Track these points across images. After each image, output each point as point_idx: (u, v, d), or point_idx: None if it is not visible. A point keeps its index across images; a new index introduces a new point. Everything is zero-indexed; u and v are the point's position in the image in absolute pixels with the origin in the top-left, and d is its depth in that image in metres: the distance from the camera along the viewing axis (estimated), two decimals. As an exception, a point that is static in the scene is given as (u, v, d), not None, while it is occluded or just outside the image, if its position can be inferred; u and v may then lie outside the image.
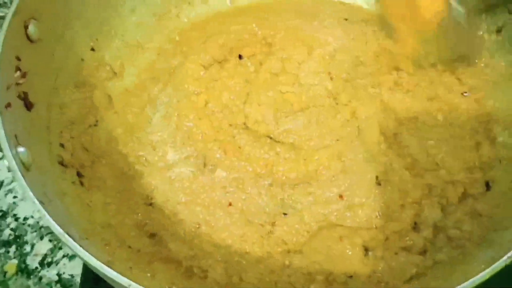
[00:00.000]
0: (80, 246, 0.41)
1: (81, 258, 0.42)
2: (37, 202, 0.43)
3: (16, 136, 0.47)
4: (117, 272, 0.40)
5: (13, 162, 0.44)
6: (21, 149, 0.47)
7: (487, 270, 0.38)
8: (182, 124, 0.64)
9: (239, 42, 0.70)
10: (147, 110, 0.66)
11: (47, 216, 0.42)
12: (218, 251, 0.55)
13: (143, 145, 0.63)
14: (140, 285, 0.39)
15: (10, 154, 0.45)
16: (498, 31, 0.62)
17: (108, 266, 0.40)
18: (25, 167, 0.46)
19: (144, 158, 0.62)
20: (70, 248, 0.42)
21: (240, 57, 0.69)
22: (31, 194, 0.43)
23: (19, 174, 0.44)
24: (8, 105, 0.48)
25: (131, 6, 0.69)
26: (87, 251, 0.41)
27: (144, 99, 0.66)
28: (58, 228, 0.41)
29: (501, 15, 0.61)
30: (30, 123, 0.51)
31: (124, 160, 0.60)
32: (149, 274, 0.51)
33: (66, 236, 0.41)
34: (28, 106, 0.51)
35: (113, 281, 0.40)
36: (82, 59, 0.62)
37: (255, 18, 0.72)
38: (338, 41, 0.70)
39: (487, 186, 0.57)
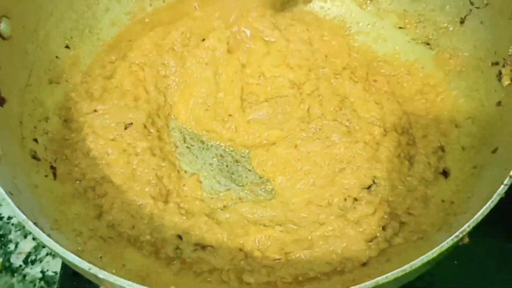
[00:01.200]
0: (47, 235, 0.42)
1: (48, 247, 0.43)
2: (3, 191, 0.44)
3: (-14, 131, 0.48)
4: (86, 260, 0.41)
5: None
6: (-9, 143, 0.48)
7: (434, 249, 0.39)
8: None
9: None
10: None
11: (12, 205, 0.43)
12: None
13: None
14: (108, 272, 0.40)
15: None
16: (461, 22, 0.63)
17: (76, 254, 0.41)
18: (-5, 161, 0.47)
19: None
20: (35, 236, 0.43)
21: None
22: (-3, 184, 0.44)
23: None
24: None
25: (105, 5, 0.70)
26: (54, 240, 0.42)
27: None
28: (22, 215, 0.42)
29: (464, 6, 0.62)
30: (2, 118, 0.52)
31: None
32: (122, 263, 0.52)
33: (30, 223, 0.42)
34: (0, 101, 0.52)
35: (81, 269, 0.41)
36: (57, 57, 0.63)
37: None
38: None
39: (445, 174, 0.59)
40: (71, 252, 0.41)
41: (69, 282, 0.63)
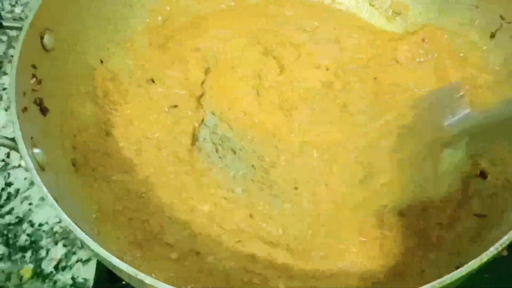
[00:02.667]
0: (92, 239, 0.44)
1: (93, 251, 0.44)
2: (51, 198, 0.45)
3: (32, 138, 0.50)
4: (128, 264, 0.42)
5: (30, 162, 0.47)
6: (36, 150, 0.50)
7: (473, 261, 0.40)
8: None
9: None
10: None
11: (60, 211, 0.44)
12: None
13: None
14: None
15: (27, 154, 0.47)
16: (492, 36, 0.64)
17: (119, 258, 0.42)
18: (41, 167, 0.49)
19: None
20: (82, 241, 0.44)
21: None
22: (45, 191, 0.45)
23: (34, 173, 0.46)
24: (25, 109, 0.51)
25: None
26: (99, 244, 0.43)
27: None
28: (70, 221, 0.44)
29: (494, 21, 0.63)
30: (45, 126, 0.54)
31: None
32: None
33: (78, 229, 0.43)
34: (43, 111, 0.54)
35: (125, 274, 0.42)
36: (94, 68, 0.65)
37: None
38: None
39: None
40: (117, 257, 0.42)
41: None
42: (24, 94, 0.52)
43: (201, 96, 0.70)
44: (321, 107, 0.68)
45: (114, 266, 0.42)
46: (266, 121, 0.67)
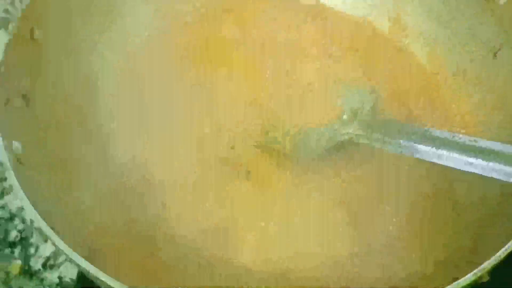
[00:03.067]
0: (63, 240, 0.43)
1: (64, 254, 0.43)
2: (23, 194, 0.45)
3: (12, 131, 0.49)
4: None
5: (6, 156, 0.47)
6: (16, 144, 0.49)
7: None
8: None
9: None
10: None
11: (28, 203, 0.44)
12: None
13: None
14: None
15: (2, 147, 0.47)
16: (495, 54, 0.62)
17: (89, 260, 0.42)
18: (19, 162, 0.49)
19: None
20: (52, 240, 0.44)
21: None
22: (17, 184, 0.45)
23: (8, 166, 0.46)
24: (7, 101, 0.51)
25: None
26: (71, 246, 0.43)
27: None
28: (43, 223, 0.43)
29: (498, 37, 0.61)
30: (28, 120, 0.54)
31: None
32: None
33: (48, 228, 0.43)
34: (28, 104, 0.54)
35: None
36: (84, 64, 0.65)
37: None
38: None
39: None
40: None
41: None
42: (9, 86, 0.52)
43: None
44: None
45: (82, 267, 0.42)
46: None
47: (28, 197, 0.45)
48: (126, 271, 0.50)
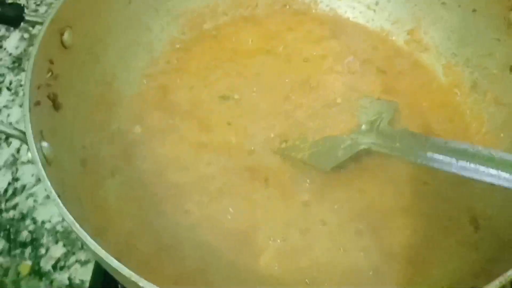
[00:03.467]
0: (92, 238, 0.43)
1: (91, 250, 0.43)
2: (54, 193, 0.45)
3: (41, 132, 0.50)
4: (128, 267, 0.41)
5: (36, 155, 0.47)
6: (45, 144, 0.50)
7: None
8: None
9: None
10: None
11: (62, 207, 0.44)
12: None
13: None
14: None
15: (34, 147, 0.47)
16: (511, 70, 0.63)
17: (118, 260, 0.41)
18: (47, 161, 0.49)
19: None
20: (81, 240, 0.44)
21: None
22: (49, 185, 0.45)
23: (39, 166, 0.46)
24: (38, 103, 0.51)
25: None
26: (99, 245, 0.42)
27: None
28: (71, 217, 0.43)
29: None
30: (56, 122, 0.54)
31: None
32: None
33: (78, 226, 0.43)
34: (56, 106, 0.54)
35: (123, 276, 0.41)
36: (110, 71, 0.66)
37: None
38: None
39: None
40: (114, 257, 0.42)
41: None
42: (39, 87, 0.52)
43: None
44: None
45: (111, 266, 0.42)
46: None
47: (59, 196, 0.45)
48: (152, 276, 0.51)
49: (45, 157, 0.49)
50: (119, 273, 0.41)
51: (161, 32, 0.74)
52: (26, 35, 0.91)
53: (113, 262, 0.42)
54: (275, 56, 0.73)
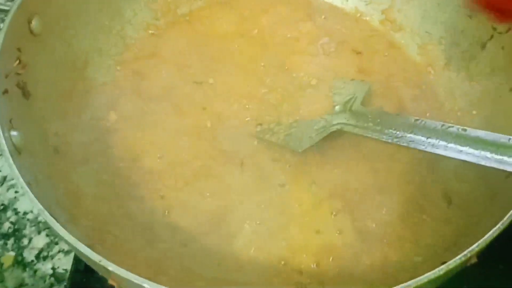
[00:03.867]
0: (62, 226, 0.43)
1: (63, 239, 0.43)
2: (22, 182, 0.45)
3: (11, 121, 0.49)
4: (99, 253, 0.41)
5: (4, 144, 0.47)
6: (14, 133, 0.49)
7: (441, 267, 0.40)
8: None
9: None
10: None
11: (30, 194, 0.44)
12: None
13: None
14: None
15: (1, 136, 0.47)
16: (483, 47, 0.64)
17: (90, 247, 0.41)
18: (17, 150, 0.49)
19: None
20: (51, 228, 0.44)
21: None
22: (17, 173, 0.45)
23: (7, 154, 0.46)
24: (5, 91, 0.51)
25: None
26: (70, 232, 0.42)
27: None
28: (40, 205, 0.43)
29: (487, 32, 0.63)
30: (26, 110, 0.54)
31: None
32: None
33: (46, 213, 0.43)
34: (26, 95, 0.54)
35: (94, 263, 0.41)
36: (82, 57, 0.65)
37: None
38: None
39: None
40: (84, 244, 0.42)
41: (79, 279, 0.64)
42: (6, 76, 0.51)
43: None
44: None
45: (81, 252, 0.42)
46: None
47: (29, 187, 0.45)
48: (126, 260, 0.51)
49: (14, 145, 0.48)
50: (90, 259, 0.41)
51: (134, 17, 0.73)
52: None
53: (82, 247, 0.42)
54: (249, 39, 0.72)
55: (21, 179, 0.45)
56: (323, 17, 0.74)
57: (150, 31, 0.73)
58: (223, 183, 0.60)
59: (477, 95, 0.64)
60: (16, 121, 0.50)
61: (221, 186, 0.60)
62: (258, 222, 0.58)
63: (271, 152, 0.63)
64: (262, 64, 0.70)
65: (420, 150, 0.56)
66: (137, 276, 0.39)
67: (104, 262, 0.41)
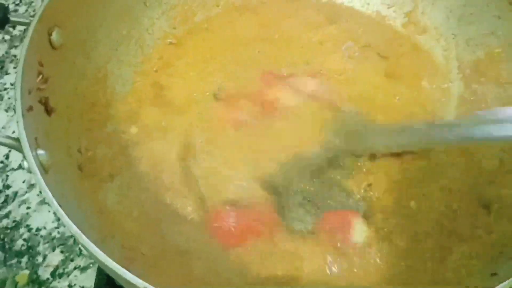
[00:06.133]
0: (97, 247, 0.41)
1: (97, 260, 0.41)
2: (55, 203, 0.43)
3: (36, 139, 0.47)
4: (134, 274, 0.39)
5: (33, 164, 0.45)
6: (40, 152, 0.47)
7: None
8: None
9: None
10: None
11: (65, 217, 0.42)
12: None
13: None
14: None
15: (30, 155, 0.45)
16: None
17: (124, 267, 0.40)
18: (45, 169, 0.46)
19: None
20: (86, 249, 0.42)
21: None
22: (50, 195, 0.43)
23: (38, 176, 0.44)
24: (30, 109, 0.49)
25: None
26: (103, 252, 0.41)
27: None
28: (75, 228, 0.41)
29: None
30: (50, 127, 0.52)
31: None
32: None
33: (83, 236, 0.41)
34: (49, 111, 0.52)
35: (129, 283, 0.40)
36: (102, 70, 0.64)
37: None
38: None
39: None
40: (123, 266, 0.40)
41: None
42: (30, 92, 0.49)
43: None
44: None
45: (119, 275, 0.40)
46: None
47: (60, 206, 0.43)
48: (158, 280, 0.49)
49: (42, 165, 0.46)
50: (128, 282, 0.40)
51: (152, 26, 0.71)
52: (7, 37, 0.88)
53: (123, 272, 0.40)
54: (272, 43, 0.71)
55: (55, 203, 0.43)
56: (345, 21, 0.73)
57: (168, 40, 0.71)
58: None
59: (507, 97, 0.62)
60: (41, 140, 0.49)
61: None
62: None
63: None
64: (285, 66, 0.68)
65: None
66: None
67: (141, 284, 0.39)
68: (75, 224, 0.42)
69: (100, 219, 0.54)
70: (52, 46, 0.54)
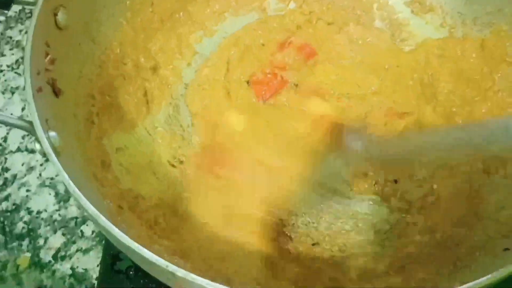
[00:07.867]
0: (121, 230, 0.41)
1: (116, 240, 0.41)
2: (72, 185, 0.43)
3: (47, 121, 0.47)
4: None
5: (48, 147, 0.44)
6: (52, 133, 0.47)
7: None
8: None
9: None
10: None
11: (83, 199, 0.42)
12: None
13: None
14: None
15: (44, 137, 0.44)
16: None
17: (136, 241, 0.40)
18: (56, 152, 0.46)
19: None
20: (104, 229, 0.42)
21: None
22: (66, 177, 0.43)
23: (54, 158, 0.43)
24: (40, 90, 0.48)
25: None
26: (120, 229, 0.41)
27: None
28: (93, 209, 0.41)
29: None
30: (58, 109, 0.51)
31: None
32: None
33: (102, 217, 0.41)
34: (57, 92, 0.51)
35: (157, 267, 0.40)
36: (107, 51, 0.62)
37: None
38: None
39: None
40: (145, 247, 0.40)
41: (109, 279, 0.62)
42: (38, 73, 0.48)
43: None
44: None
45: (143, 257, 0.40)
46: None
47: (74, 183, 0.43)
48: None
49: (54, 147, 0.46)
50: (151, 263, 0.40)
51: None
52: (2, 18, 0.86)
53: (145, 252, 0.40)
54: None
55: (72, 184, 0.42)
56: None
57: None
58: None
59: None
60: (52, 122, 0.48)
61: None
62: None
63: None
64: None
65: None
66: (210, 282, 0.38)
67: (172, 268, 0.39)
68: (93, 206, 0.42)
69: (114, 192, 0.54)
70: (58, 27, 0.52)
